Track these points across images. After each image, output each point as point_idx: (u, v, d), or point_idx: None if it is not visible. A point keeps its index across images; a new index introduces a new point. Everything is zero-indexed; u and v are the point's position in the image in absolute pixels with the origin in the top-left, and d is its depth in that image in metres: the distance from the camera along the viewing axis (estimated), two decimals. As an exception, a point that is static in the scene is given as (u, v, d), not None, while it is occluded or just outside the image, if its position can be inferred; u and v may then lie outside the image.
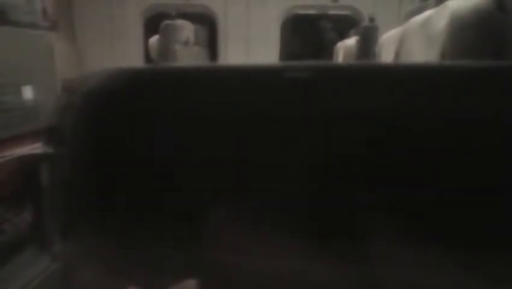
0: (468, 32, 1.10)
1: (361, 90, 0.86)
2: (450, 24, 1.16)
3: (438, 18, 1.27)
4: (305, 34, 5.55)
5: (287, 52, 4.77)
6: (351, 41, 3.28)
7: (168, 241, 0.93)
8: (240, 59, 4.41)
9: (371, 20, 3.27)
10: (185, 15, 3.72)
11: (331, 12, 4.88)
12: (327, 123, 0.85)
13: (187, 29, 3.56)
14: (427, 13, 1.45)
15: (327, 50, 4.39)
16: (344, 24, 4.65)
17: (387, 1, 4.14)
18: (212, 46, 4.47)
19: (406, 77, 0.88)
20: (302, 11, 4.84)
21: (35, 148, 1.94)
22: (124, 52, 4.36)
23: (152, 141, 0.89)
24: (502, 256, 0.83)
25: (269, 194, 0.88)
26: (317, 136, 0.85)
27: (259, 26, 4.43)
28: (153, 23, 4.14)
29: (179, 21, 3.46)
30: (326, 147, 0.85)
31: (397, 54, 1.75)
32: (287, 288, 0.93)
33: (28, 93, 2.10)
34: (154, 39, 3.47)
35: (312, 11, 4.92)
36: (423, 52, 1.40)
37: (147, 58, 3.92)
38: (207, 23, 4.46)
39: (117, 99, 0.93)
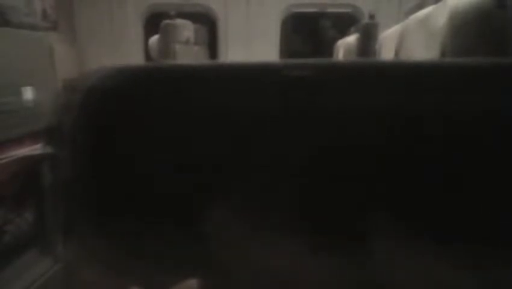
0: (468, 29, 1.10)
1: (361, 88, 0.86)
2: (450, 21, 1.16)
3: (437, 15, 1.27)
4: (305, 32, 5.55)
5: (287, 50, 4.78)
6: (351, 39, 3.28)
7: (170, 241, 0.93)
8: (241, 57, 4.41)
9: (371, 17, 3.26)
10: (185, 15, 3.73)
11: (331, 10, 4.88)
12: (327, 122, 0.85)
13: (187, 29, 3.57)
14: (427, 10, 1.45)
15: (327, 48, 4.39)
16: (344, 22, 4.65)
17: (386, -2, 4.14)
18: (212, 45, 4.47)
19: (406, 75, 0.87)
20: (302, 9, 4.84)
21: (36, 149, 1.95)
22: (125, 51, 4.37)
23: (152, 140, 0.89)
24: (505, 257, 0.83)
25: (271, 193, 0.88)
26: (318, 134, 0.85)
27: (260, 24, 4.43)
28: (153, 23, 4.14)
29: (179, 21, 3.46)
30: (327, 146, 0.85)
31: (397, 51, 1.75)
32: (289, 287, 0.93)
33: (28, 94, 2.10)
34: (154, 39, 3.47)
35: (312, 9, 4.92)
36: (423, 49, 1.40)
37: (148, 57, 3.93)
38: (207, 22, 4.47)
39: (117, 97, 0.93)
